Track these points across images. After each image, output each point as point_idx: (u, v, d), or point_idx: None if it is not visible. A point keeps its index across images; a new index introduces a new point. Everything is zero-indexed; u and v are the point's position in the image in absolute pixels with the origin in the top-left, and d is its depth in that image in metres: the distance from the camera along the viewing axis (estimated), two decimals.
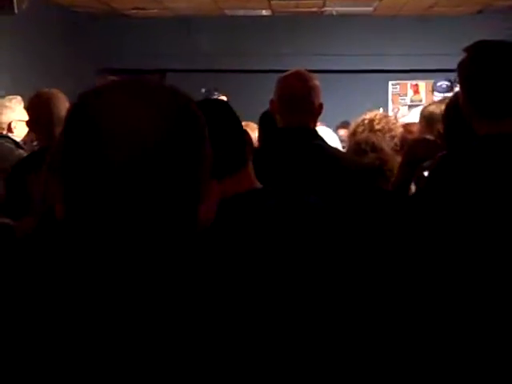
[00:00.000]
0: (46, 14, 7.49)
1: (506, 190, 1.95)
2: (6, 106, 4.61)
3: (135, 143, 0.80)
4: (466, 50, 2.13)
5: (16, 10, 5.11)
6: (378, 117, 3.46)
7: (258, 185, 1.87)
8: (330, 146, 2.81)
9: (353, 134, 3.49)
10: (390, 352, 2.03)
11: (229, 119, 1.90)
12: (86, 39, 8.71)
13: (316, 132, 2.71)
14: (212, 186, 0.90)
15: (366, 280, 2.26)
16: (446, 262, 2.05)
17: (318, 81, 2.75)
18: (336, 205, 2.27)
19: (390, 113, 9.31)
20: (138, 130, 0.81)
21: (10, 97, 4.78)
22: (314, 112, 2.69)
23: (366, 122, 3.43)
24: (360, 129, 3.48)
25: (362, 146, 3.10)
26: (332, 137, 4.30)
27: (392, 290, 2.43)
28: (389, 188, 2.94)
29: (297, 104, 2.65)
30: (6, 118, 4.55)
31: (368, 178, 2.73)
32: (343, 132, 8.36)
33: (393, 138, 3.37)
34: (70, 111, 0.86)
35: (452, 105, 2.48)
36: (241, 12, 8.48)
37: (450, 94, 6.89)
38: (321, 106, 2.72)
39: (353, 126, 3.57)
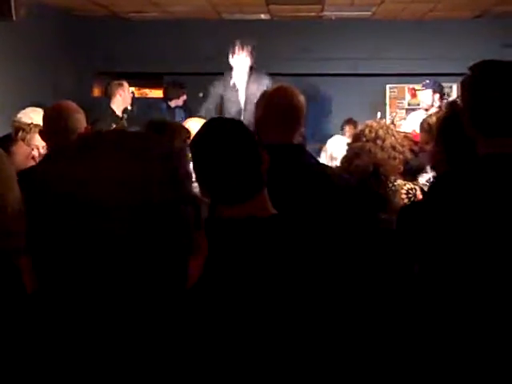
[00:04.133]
0: (45, 17, 7.51)
1: (501, 210, 1.98)
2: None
3: (108, 209, 0.74)
4: (472, 68, 2.13)
5: (14, 17, 5.13)
6: (374, 126, 3.47)
7: (273, 209, 1.87)
8: (318, 162, 2.81)
9: (352, 141, 3.51)
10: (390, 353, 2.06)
11: (245, 140, 1.87)
12: (85, 42, 8.73)
13: (303, 148, 2.72)
14: (201, 238, 0.86)
15: (367, 287, 2.29)
16: (436, 276, 2.07)
17: (301, 96, 2.74)
18: (332, 225, 2.30)
19: (388, 116, 9.33)
20: (111, 196, 0.75)
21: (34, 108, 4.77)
22: (299, 127, 2.70)
23: (366, 131, 3.43)
24: (358, 137, 3.50)
25: (357, 150, 3.13)
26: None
27: (387, 301, 2.45)
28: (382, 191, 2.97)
29: (283, 121, 2.63)
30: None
31: (357, 194, 2.74)
32: (348, 128, 8.44)
33: (393, 148, 3.36)
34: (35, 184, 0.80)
35: (448, 118, 2.49)
36: (239, 16, 8.49)
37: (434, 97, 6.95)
38: (304, 120, 2.72)
39: (354, 134, 3.59)
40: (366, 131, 3.44)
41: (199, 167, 1.90)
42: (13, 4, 5.11)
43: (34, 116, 4.62)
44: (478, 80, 2.11)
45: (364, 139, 3.40)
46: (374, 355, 2.18)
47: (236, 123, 1.96)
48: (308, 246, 1.82)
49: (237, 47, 6.85)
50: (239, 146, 1.85)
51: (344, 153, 3.86)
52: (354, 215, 2.59)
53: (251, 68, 6.94)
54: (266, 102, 2.72)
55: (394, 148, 3.37)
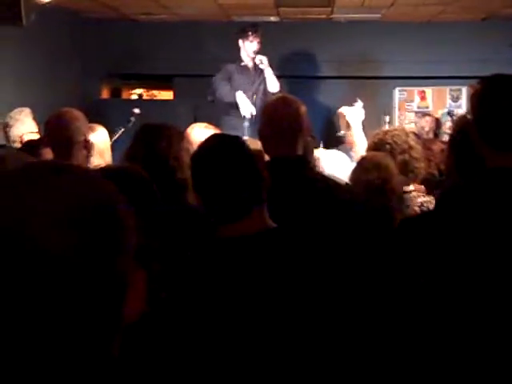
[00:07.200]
0: (54, 19, 7.52)
1: (507, 224, 1.99)
2: (16, 119, 4.63)
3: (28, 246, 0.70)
4: (482, 81, 2.14)
5: (24, 22, 5.13)
6: (392, 140, 3.39)
7: (272, 223, 1.87)
8: (323, 176, 2.79)
9: (369, 150, 3.45)
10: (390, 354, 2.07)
11: (243, 159, 1.87)
12: (95, 44, 8.75)
13: (307, 160, 2.71)
14: (138, 275, 0.80)
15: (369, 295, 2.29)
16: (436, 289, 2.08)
17: (302, 105, 2.71)
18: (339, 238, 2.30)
19: (396, 119, 9.32)
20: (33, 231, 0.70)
21: (20, 109, 4.79)
22: (303, 138, 2.68)
23: (377, 139, 3.38)
24: (371, 145, 3.45)
25: (366, 163, 3.11)
26: (345, 161, 4.19)
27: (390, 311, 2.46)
28: (389, 205, 2.96)
29: (286, 133, 2.61)
30: (17, 131, 4.58)
31: (363, 208, 2.72)
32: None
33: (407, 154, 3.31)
34: None
35: (460, 130, 2.49)
36: (248, 18, 8.48)
37: None
38: (308, 130, 2.70)
39: (371, 143, 3.50)
40: (387, 146, 3.36)
41: (197, 184, 1.90)
42: (23, 9, 5.12)
43: (18, 117, 4.64)
44: (487, 93, 2.12)
45: (379, 150, 3.34)
46: (379, 371, 2.19)
47: (235, 141, 1.96)
48: (306, 259, 1.83)
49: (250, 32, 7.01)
50: (236, 165, 1.85)
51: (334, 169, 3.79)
52: (357, 229, 2.58)
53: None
54: (267, 115, 2.70)
55: (406, 165, 3.33)
